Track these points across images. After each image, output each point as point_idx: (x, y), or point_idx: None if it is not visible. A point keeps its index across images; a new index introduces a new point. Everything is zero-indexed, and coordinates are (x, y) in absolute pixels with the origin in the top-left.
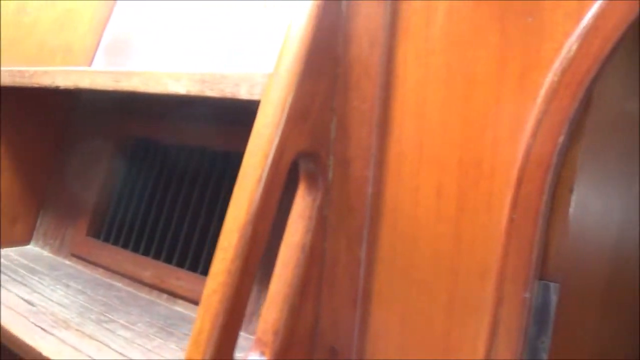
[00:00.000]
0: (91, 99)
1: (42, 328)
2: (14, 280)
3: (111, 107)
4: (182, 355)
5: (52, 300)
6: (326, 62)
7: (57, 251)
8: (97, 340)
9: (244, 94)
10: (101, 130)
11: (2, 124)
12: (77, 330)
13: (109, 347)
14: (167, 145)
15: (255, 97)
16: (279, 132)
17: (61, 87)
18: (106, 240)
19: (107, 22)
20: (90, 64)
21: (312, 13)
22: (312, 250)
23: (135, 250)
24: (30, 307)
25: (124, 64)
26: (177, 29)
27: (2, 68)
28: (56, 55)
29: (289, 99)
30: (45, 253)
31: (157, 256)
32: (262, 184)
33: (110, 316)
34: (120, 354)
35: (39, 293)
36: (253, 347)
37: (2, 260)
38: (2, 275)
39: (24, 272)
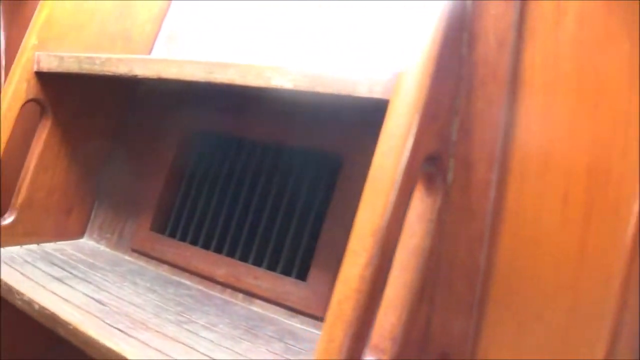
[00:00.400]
0: (150, 89)
1: (119, 329)
2: (76, 276)
3: (174, 98)
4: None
5: (122, 299)
6: (452, 62)
7: (115, 246)
8: (182, 343)
9: (363, 91)
10: (164, 121)
11: (57, 112)
12: (157, 331)
13: (196, 350)
14: (240, 140)
15: (375, 96)
16: (413, 133)
17: (140, 77)
18: (172, 235)
19: (168, 10)
20: (149, 53)
21: (444, 11)
22: (430, 254)
23: (206, 247)
24: (101, 306)
25: (186, 55)
26: (243, 20)
27: (65, 54)
28: (116, 43)
29: (422, 99)
30: (102, 247)
31: (230, 254)
32: (396, 187)
33: (188, 316)
34: (209, 357)
35: (106, 291)
36: (368, 354)
37: (58, 254)
38: (62, 271)
39: (84, 267)
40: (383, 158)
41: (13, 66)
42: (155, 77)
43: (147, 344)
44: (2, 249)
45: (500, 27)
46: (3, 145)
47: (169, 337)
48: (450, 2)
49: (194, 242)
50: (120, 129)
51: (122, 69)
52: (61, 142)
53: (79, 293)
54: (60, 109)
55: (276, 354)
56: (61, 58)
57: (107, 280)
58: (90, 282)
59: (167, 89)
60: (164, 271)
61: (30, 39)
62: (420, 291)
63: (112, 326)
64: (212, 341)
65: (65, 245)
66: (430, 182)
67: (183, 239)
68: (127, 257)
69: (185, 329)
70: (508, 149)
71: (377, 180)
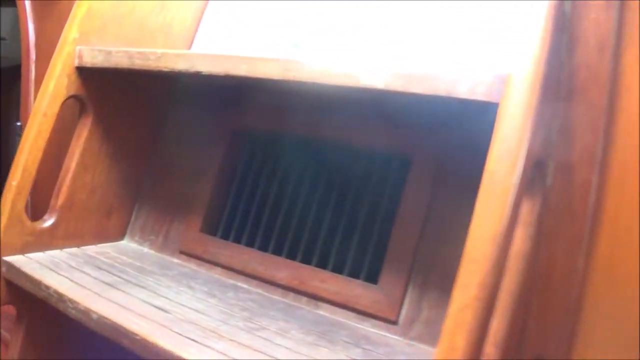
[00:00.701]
0: (193, 85)
1: (192, 339)
2: (128, 281)
3: (216, 95)
4: None
5: (184, 305)
6: (555, 65)
7: (161, 248)
8: (260, 352)
9: (463, 92)
10: (211, 120)
11: (98, 109)
12: (231, 340)
13: (276, 358)
14: (296, 139)
15: (477, 97)
16: (527, 137)
17: (203, 73)
18: (224, 237)
19: (207, 5)
20: (189, 48)
21: (550, 12)
22: (530, 258)
23: (263, 249)
24: (164, 314)
25: (228, 50)
26: (289, 18)
27: (113, 48)
28: (156, 37)
29: (534, 103)
30: (146, 250)
31: (291, 256)
32: (512, 192)
33: (257, 323)
34: None
35: (164, 297)
36: None
37: (102, 258)
38: (112, 276)
39: (134, 271)
40: (497, 163)
41: (52, 60)
42: (222, 74)
43: (225, 354)
44: (42, 253)
45: (600, 31)
46: (44, 145)
47: (244, 346)
48: (555, 2)
49: (249, 244)
50: (160, 127)
51: (182, 65)
52: (102, 141)
53: (136, 299)
54: (101, 105)
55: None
56: (108, 52)
57: (161, 285)
58: (144, 287)
59: (206, 85)
60: (217, 274)
61: (71, 32)
62: (521, 296)
63: (183, 336)
64: (289, 348)
65: (107, 248)
66: (530, 186)
67: (237, 240)
68: (175, 260)
69: (258, 337)
70: (608, 152)
71: (492, 185)
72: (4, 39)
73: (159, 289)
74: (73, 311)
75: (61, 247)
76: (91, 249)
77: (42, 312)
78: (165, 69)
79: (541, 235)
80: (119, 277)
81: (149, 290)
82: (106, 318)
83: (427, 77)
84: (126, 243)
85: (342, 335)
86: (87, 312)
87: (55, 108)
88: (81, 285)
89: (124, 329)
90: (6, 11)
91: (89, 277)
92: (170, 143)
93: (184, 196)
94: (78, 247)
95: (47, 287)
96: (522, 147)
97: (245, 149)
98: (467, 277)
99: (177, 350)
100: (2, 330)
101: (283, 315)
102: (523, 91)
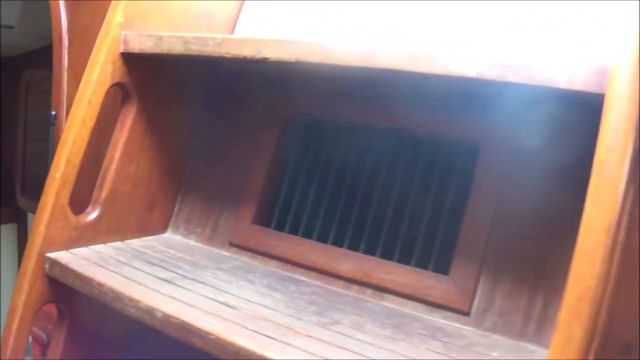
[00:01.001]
0: (234, 72)
1: (270, 337)
2: (185, 277)
3: (264, 81)
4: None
5: (250, 301)
6: None
7: (209, 240)
8: (344, 348)
9: (561, 82)
10: (260, 106)
11: (142, 97)
12: (308, 336)
13: (363, 355)
14: (353, 126)
15: (576, 87)
16: (635, 127)
17: (271, 60)
18: (278, 229)
19: None
20: (232, 33)
21: None
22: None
23: (322, 240)
24: (233, 310)
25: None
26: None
27: (164, 33)
28: (200, 21)
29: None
30: (192, 242)
31: (353, 248)
32: (624, 181)
33: (329, 317)
34: None
35: (227, 292)
36: None
37: (149, 252)
38: (166, 271)
39: (187, 266)
40: (608, 153)
41: (96, 46)
42: (292, 60)
43: (309, 352)
44: (85, 248)
45: None
46: (88, 135)
47: (325, 342)
48: None
49: (307, 236)
50: (205, 115)
51: (246, 51)
52: (145, 130)
53: (199, 296)
54: (145, 93)
55: (440, 353)
56: (159, 38)
57: (219, 279)
58: (203, 283)
59: (254, 70)
60: (273, 267)
61: (116, 16)
62: (616, 285)
63: (259, 333)
64: (371, 344)
65: (152, 241)
66: (632, 175)
67: (293, 232)
68: (225, 253)
69: (335, 332)
70: None
71: (604, 175)
72: (12, 27)
73: (219, 283)
74: (133, 310)
75: (105, 242)
76: (135, 243)
77: (86, 311)
78: (228, 55)
79: (632, 223)
80: (174, 272)
81: (208, 285)
82: (173, 317)
83: (522, 67)
84: (170, 236)
85: (416, 328)
86: (150, 310)
87: (100, 96)
88: (136, 282)
89: (195, 327)
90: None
91: (142, 272)
92: (215, 132)
93: (232, 187)
94: (121, 241)
95: (100, 285)
96: (630, 138)
97: (299, 136)
98: (581, 268)
99: (259, 349)
100: (37, 330)
101: (352, 309)
102: (629, 82)
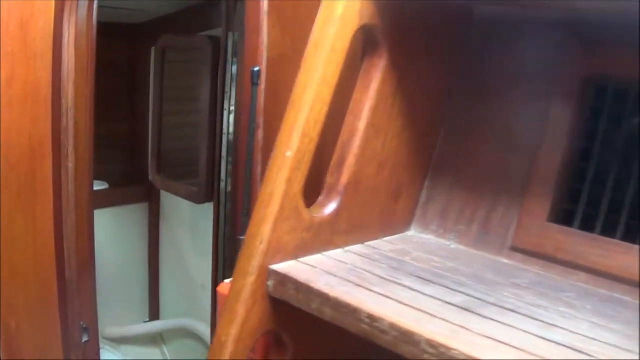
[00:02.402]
0: (515, 22)
1: None
2: (482, 301)
3: (549, 30)
4: None
5: (594, 339)
6: None
7: (476, 242)
8: None
9: None
10: (546, 65)
11: (394, 50)
12: None
13: None
14: None
15: None
16: None
17: None
18: (585, 229)
19: None
20: None
21: None
22: None
23: None
24: (582, 355)
25: None
26: None
27: None
28: None
29: None
30: (452, 244)
31: None
32: None
33: None
34: None
35: (555, 325)
36: None
37: (407, 259)
38: (452, 294)
39: (472, 282)
40: None
41: None
42: None
43: None
44: (320, 255)
45: None
46: (331, 95)
47: None
48: None
49: (627, 239)
50: (463, 75)
51: None
52: (395, 94)
53: (524, 334)
54: (396, 44)
55: None
56: None
57: (527, 303)
58: (514, 311)
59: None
60: (582, 282)
61: None
62: None
63: None
64: None
65: (400, 243)
66: None
67: (608, 234)
68: (505, 261)
69: None
70: None
71: None
72: None
73: (533, 311)
74: (413, 350)
75: (343, 246)
76: (381, 246)
77: (317, 340)
78: None
79: None
80: (464, 293)
81: (521, 314)
82: None
83: None
84: (417, 235)
85: None
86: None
87: (346, 41)
88: (427, 313)
89: None
90: None
91: (421, 296)
92: (476, 97)
93: (510, 171)
94: (361, 243)
95: (374, 318)
96: None
97: (608, 106)
98: None
99: None
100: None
101: None
102: None
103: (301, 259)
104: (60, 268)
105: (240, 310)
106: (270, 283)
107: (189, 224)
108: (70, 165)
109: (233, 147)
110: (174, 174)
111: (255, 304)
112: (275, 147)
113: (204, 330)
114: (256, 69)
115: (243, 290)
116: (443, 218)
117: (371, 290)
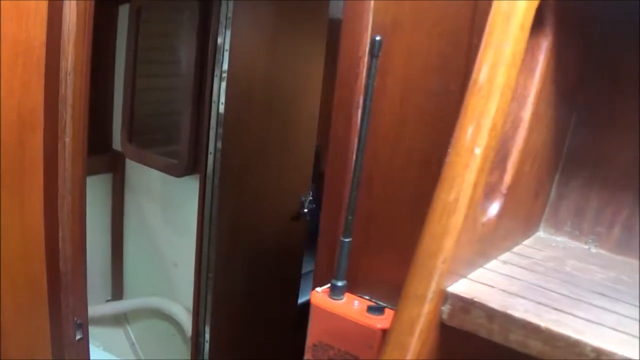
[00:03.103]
0: None
1: None
2: None
3: None
4: None
5: None
6: None
7: (618, 247)
8: None
9: None
10: None
11: (559, 25)
12: None
13: None
14: None
15: None
16: None
17: None
18: None
19: None
20: None
21: None
22: None
23: None
24: None
25: None
26: None
27: None
28: None
29: None
30: (592, 249)
31: None
32: None
33: None
34: None
35: None
36: None
37: (568, 270)
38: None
39: None
40: None
41: None
42: None
43: None
44: (483, 270)
45: None
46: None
47: None
48: None
49: None
50: (599, 61)
51: None
52: (554, 80)
53: None
54: (561, 23)
55: None
56: None
57: None
58: None
59: None
60: None
61: None
62: None
63: None
64: None
65: (540, 248)
66: None
67: None
68: None
69: None
70: None
71: None
72: None
73: None
74: None
75: (496, 256)
76: (531, 254)
77: None
78: None
79: None
80: None
81: None
82: None
83: None
84: (548, 237)
85: None
86: None
87: (531, 17)
88: (631, 335)
89: None
90: None
91: (618, 316)
92: (611, 82)
93: None
94: (509, 250)
95: (585, 346)
96: None
97: None
98: None
99: None
100: None
101: None
102: None
103: (471, 277)
104: (53, 258)
105: (414, 344)
106: (445, 309)
107: (160, 198)
108: (68, 139)
109: (224, 117)
110: (147, 142)
111: (429, 336)
112: (457, 141)
113: (177, 310)
114: (377, 37)
115: (418, 320)
116: (578, 217)
117: (576, 316)
